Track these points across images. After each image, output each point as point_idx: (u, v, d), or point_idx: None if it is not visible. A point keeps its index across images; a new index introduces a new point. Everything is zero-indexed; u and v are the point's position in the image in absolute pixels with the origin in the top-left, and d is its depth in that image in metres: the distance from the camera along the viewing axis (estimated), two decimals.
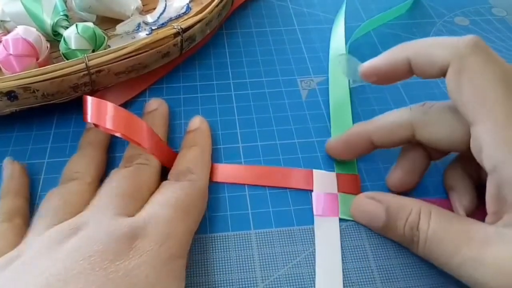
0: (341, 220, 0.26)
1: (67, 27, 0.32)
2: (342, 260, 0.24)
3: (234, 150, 0.29)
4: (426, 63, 0.23)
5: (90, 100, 0.24)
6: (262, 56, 0.36)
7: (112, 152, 0.29)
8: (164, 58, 0.32)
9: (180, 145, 0.28)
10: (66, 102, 0.29)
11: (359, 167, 0.28)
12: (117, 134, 0.24)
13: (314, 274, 0.23)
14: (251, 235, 0.25)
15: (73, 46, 0.30)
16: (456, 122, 0.23)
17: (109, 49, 0.30)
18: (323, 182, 0.27)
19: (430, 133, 0.24)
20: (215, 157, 0.29)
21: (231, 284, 0.23)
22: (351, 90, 0.33)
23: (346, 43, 0.36)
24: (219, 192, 0.27)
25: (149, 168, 0.25)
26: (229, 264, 0.24)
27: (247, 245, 0.25)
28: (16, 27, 0.31)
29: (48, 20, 0.33)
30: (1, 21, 0.34)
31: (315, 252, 0.24)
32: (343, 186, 0.27)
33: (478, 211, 0.24)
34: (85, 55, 0.29)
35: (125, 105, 0.32)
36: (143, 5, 0.37)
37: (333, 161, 0.29)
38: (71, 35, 0.30)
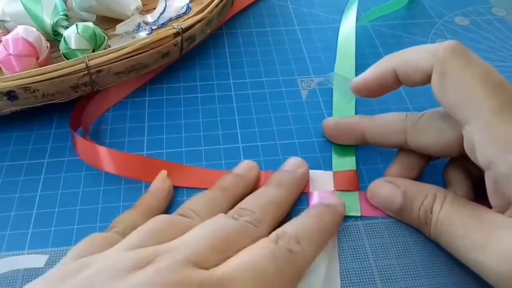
0: None
1: (67, 27, 0.32)
2: (342, 260, 0.24)
3: (234, 150, 0.29)
4: (410, 70, 0.24)
5: None
6: (262, 56, 0.36)
7: None
8: (164, 58, 0.32)
9: (179, 144, 0.28)
10: (66, 102, 0.29)
11: (359, 167, 0.28)
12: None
13: (313, 274, 0.23)
14: None
15: (73, 46, 0.30)
16: (445, 128, 0.24)
17: (109, 49, 0.30)
18: (320, 182, 0.27)
19: (419, 141, 0.25)
20: (215, 157, 0.29)
21: None
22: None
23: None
24: None
25: (255, 233, 0.22)
26: None
27: None
28: (16, 27, 0.31)
29: (48, 20, 0.33)
30: (1, 21, 0.34)
31: None
32: (341, 184, 0.27)
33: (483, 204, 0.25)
34: (85, 55, 0.29)
35: (125, 104, 0.32)
36: (143, 5, 0.37)
37: (332, 160, 0.29)
38: (71, 35, 0.30)
